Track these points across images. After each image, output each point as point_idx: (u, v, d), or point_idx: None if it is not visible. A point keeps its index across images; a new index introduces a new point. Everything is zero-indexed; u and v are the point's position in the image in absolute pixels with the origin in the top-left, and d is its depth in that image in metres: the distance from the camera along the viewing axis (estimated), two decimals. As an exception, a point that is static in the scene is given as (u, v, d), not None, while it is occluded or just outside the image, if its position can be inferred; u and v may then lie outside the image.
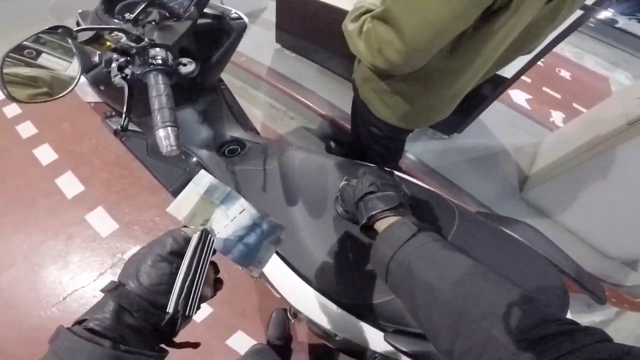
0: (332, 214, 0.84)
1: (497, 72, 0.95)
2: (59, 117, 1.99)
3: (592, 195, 1.65)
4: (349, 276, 0.76)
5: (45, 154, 1.83)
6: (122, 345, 0.34)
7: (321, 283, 0.78)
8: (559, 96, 2.99)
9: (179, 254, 0.40)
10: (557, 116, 2.73)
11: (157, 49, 0.60)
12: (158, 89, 0.55)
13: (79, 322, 0.36)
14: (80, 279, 1.44)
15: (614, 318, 1.80)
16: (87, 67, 0.75)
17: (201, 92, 1.18)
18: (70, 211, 1.60)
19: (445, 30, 0.61)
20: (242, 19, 1.01)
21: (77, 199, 1.64)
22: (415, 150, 1.99)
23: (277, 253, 0.83)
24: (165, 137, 0.51)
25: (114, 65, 0.61)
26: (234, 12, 1.01)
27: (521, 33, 0.70)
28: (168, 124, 0.52)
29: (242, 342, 1.36)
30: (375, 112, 0.98)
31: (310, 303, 0.81)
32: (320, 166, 0.95)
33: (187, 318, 0.40)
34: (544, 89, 3.05)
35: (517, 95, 2.83)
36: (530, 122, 2.52)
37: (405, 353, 0.67)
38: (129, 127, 0.66)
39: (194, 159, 1.18)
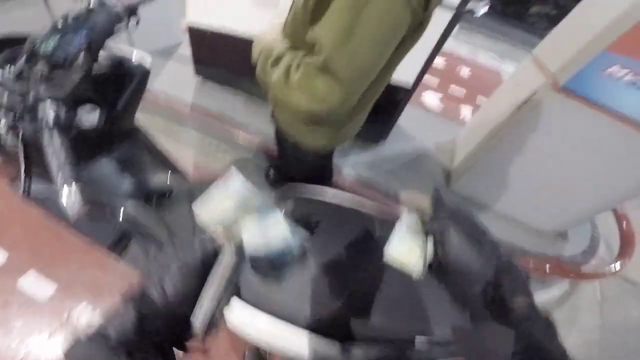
0: None
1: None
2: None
3: (507, 176, 1.88)
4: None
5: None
6: (138, 354, 0.34)
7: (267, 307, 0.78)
8: (463, 92, 3.38)
9: (207, 265, 0.39)
10: (465, 111, 3.08)
11: (48, 103, 0.57)
12: (54, 146, 0.53)
13: (95, 328, 0.35)
14: (30, 341, 1.32)
15: (571, 290, 2.02)
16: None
17: (115, 140, 1.12)
18: (0, 279, 1.44)
19: (377, 70, 0.67)
20: (144, 63, 0.99)
21: (3, 267, 1.48)
22: (347, 164, 2.11)
23: None
24: (68, 196, 0.49)
25: (1, 125, 0.57)
26: (135, 55, 0.98)
27: None
28: (70, 181, 0.50)
29: None
30: (305, 145, 0.98)
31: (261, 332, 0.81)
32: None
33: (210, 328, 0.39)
34: (451, 86, 3.42)
35: (429, 96, 3.14)
36: (444, 120, 2.81)
37: None
38: (38, 187, 0.60)
39: (121, 210, 1.09)
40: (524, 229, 2.07)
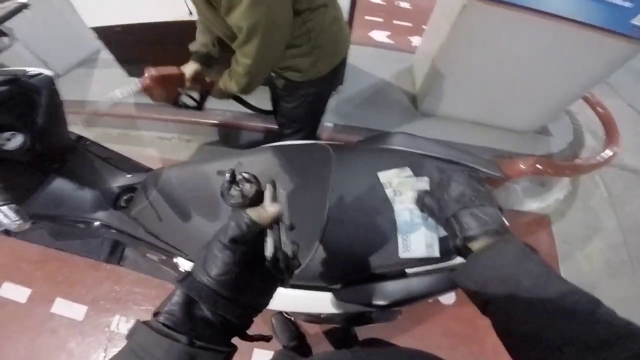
0: (227, 209, 0.85)
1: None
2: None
3: (467, 87, 1.88)
4: None
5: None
6: (197, 341, 0.33)
7: None
8: (410, 24, 3.33)
9: (241, 241, 0.38)
10: (415, 40, 3.04)
11: None
12: None
13: (156, 314, 0.35)
14: None
15: (574, 190, 2.03)
16: None
17: (58, 158, 1.10)
18: (34, 312, 1.55)
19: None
20: (42, 73, 0.94)
21: (32, 301, 1.58)
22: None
23: None
24: (4, 217, 0.52)
25: None
26: (30, 69, 0.93)
27: None
28: (1, 204, 0.52)
29: (264, 357, 1.39)
30: (303, 77, 1.10)
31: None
32: (195, 172, 0.95)
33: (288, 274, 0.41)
34: (395, 22, 3.37)
35: (376, 34, 3.09)
36: (398, 53, 2.75)
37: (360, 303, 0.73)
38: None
39: (96, 224, 1.11)
40: (503, 132, 2.08)
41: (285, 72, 1.09)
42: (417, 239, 0.69)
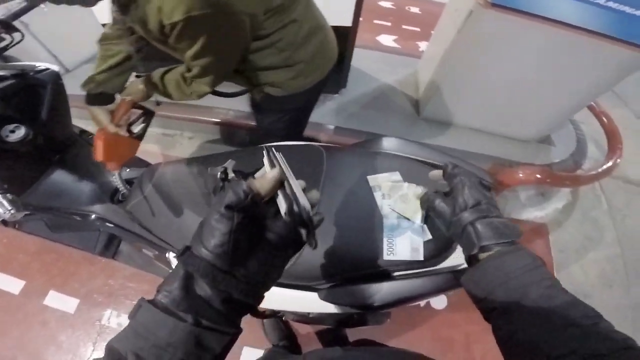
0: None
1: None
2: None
3: (471, 94, 1.87)
4: None
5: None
6: (203, 321, 0.32)
7: None
8: (418, 29, 3.34)
9: (240, 209, 0.34)
10: (423, 45, 3.05)
11: None
12: None
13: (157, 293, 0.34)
14: (80, 353, 1.44)
15: (574, 200, 2.01)
16: None
17: (59, 151, 1.12)
18: (27, 303, 1.56)
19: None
20: (49, 68, 0.98)
21: (25, 292, 1.59)
22: (315, 116, 2.05)
23: None
24: None
25: None
26: (38, 64, 0.97)
27: None
28: None
29: (253, 355, 1.38)
30: (284, 92, 1.05)
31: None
32: (190, 168, 0.96)
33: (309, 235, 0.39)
34: (404, 27, 3.37)
35: (384, 39, 3.09)
36: (404, 57, 2.75)
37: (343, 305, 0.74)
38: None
39: (93, 216, 1.12)
40: (504, 140, 2.06)
41: (264, 87, 1.05)
42: (403, 243, 0.70)
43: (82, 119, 1.23)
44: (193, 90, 0.92)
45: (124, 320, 1.42)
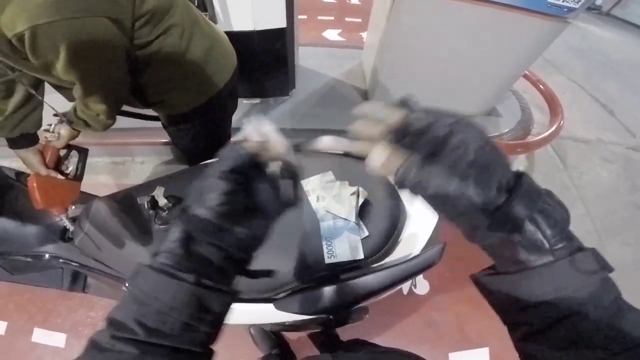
0: (159, 231, 0.86)
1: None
2: None
3: (413, 75, 1.91)
4: None
5: None
6: (205, 280, 0.32)
7: None
8: (359, 20, 3.36)
9: (240, 171, 0.35)
10: (365, 36, 3.07)
11: None
12: None
13: (155, 256, 0.33)
14: None
15: (530, 166, 2.08)
16: None
17: None
18: (16, 342, 1.52)
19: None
20: None
21: (10, 332, 1.54)
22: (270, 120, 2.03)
23: None
24: None
25: None
26: None
27: None
28: None
29: None
30: (180, 110, 1.02)
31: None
32: (123, 200, 0.94)
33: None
34: (347, 19, 3.40)
35: (329, 34, 3.11)
36: (349, 50, 2.77)
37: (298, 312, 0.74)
38: None
39: (46, 256, 1.11)
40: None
41: (162, 106, 1.00)
42: (341, 244, 0.70)
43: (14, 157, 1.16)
44: (97, 112, 0.84)
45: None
